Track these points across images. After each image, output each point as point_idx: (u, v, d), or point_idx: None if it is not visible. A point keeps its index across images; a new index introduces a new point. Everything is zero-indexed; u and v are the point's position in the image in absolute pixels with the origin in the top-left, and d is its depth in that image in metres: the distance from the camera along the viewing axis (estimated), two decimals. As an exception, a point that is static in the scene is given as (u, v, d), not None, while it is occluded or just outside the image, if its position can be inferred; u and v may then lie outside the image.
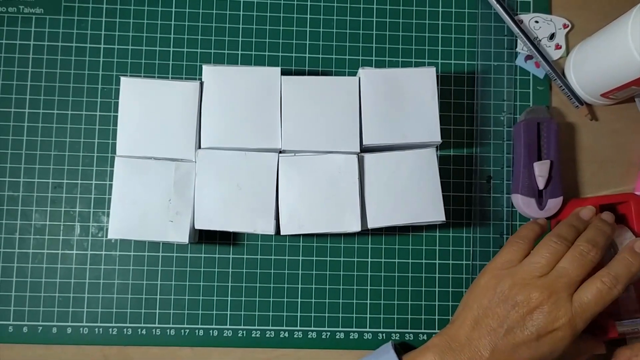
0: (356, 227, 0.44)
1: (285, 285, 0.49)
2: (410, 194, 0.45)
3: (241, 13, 0.52)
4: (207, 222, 0.44)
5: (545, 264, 0.42)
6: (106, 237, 0.49)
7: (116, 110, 0.50)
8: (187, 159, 0.45)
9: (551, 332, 0.40)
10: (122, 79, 0.45)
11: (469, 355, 0.41)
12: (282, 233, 0.44)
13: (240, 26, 0.52)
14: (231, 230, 0.44)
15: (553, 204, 0.49)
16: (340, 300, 0.49)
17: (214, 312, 0.49)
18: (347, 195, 0.45)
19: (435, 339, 0.43)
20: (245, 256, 0.49)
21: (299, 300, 0.49)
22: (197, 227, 0.44)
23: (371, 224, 0.45)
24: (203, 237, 0.49)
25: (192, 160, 0.45)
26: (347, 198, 0.45)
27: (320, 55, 0.52)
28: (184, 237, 0.44)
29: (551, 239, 0.43)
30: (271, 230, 0.44)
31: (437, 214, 0.45)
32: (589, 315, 0.40)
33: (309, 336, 0.49)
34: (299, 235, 0.49)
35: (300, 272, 0.49)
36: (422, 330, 0.49)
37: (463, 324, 0.42)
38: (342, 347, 0.49)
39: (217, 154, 0.45)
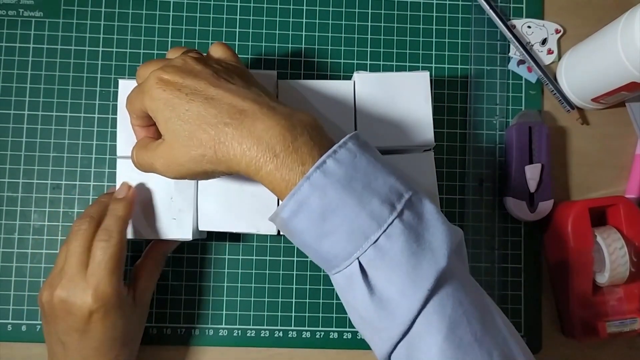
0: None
1: (280, 286, 0.50)
2: None
3: (238, 17, 0.52)
4: (211, 224, 0.45)
5: (61, 262, 0.41)
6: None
7: (114, 113, 0.50)
8: None
9: (89, 318, 0.40)
10: (121, 81, 0.45)
11: None
12: (282, 232, 0.44)
13: (237, 30, 0.52)
14: (234, 231, 0.45)
15: (544, 206, 0.50)
16: (334, 301, 0.50)
17: (210, 311, 0.50)
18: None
19: None
20: (240, 257, 0.50)
21: (294, 300, 0.50)
22: (200, 228, 0.45)
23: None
24: (210, 236, 0.50)
25: None
26: None
27: (316, 59, 0.52)
28: (187, 234, 0.44)
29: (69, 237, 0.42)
30: (273, 231, 0.44)
31: None
32: (106, 274, 0.40)
33: (303, 336, 0.50)
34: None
35: (294, 272, 0.50)
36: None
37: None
38: (335, 346, 0.50)
39: None
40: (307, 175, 0.32)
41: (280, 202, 0.34)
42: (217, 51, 0.42)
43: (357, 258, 0.33)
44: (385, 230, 0.33)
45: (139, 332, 0.45)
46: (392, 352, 0.34)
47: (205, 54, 0.41)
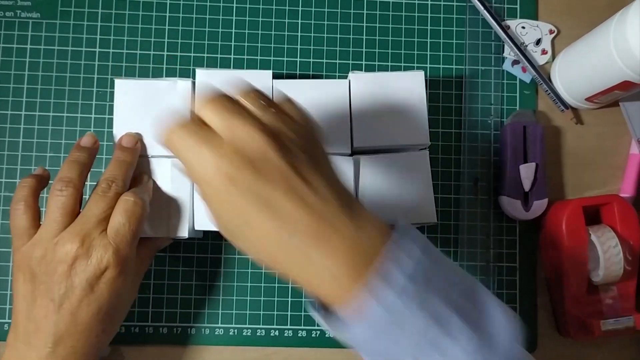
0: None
1: (276, 285, 0.50)
2: (403, 195, 0.46)
3: (234, 18, 0.53)
4: (207, 223, 0.45)
5: (60, 216, 0.39)
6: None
7: (111, 113, 0.51)
8: None
9: (101, 274, 0.39)
10: (116, 80, 0.45)
11: (36, 355, 0.38)
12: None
13: (233, 31, 0.53)
14: None
15: (538, 205, 0.50)
16: (330, 300, 0.50)
17: (206, 310, 0.50)
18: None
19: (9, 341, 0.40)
20: (237, 256, 0.50)
21: (290, 299, 0.50)
22: (197, 228, 0.45)
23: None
24: (207, 235, 0.50)
25: None
26: None
27: (311, 60, 0.53)
28: (183, 232, 0.45)
29: (55, 189, 0.40)
30: None
31: (429, 215, 0.46)
32: (127, 237, 0.39)
33: (299, 335, 0.50)
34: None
35: (290, 271, 0.50)
36: (410, 329, 0.50)
37: (17, 317, 0.39)
38: (331, 345, 0.50)
39: None
40: (377, 296, 0.30)
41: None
42: (286, 106, 0.35)
43: None
44: None
45: (123, 317, 0.44)
46: None
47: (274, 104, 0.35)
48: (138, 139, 0.44)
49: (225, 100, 0.33)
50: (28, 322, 0.39)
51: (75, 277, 0.38)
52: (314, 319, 0.50)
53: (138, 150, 0.44)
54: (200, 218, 0.45)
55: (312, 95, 0.46)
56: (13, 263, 0.40)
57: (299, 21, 0.53)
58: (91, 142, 0.44)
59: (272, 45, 0.53)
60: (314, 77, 0.52)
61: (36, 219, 0.41)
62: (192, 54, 0.52)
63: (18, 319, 0.39)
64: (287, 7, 0.53)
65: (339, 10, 0.53)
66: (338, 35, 0.53)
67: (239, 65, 0.52)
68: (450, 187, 0.52)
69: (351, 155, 0.46)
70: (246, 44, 0.53)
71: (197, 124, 0.32)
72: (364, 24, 0.53)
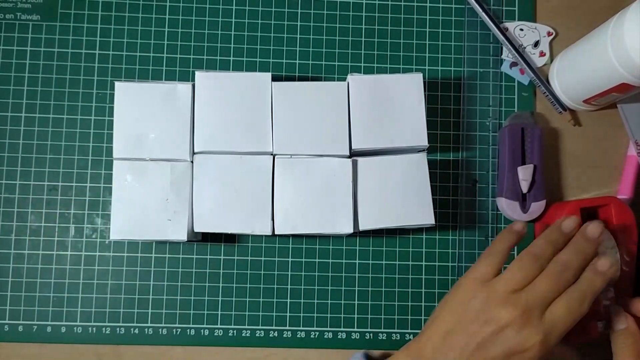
0: (348, 229, 0.45)
1: (275, 286, 0.50)
2: (401, 197, 0.46)
3: (233, 20, 0.53)
4: (206, 225, 0.45)
5: (520, 281, 0.40)
6: (100, 238, 0.50)
7: (110, 115, 0.51)
8: (182, 159, 0.46)
9: (521, 351, 0.39)
10: (117, 83, 0.46)
11: None
12: (276, 232, 0.45)
13: (232, 33, 0.53)
14: (229, 232, 0.45)
15: (536, 207, 0.50)
16: (329, 301, 0.50)
17: (205, 311, 0.50)
18: (341, 197, 0.46)
19: (400, 353, 0.42)
20: (236, 257, 0.51)
21: (288, 300, 0.50)
22: (196, 229, 0.45)
23: (362, 226, 0.46)
24: (206, 237, 0.50)
25: (187, 160, 0.46)
26: (340, 200, 0.46)
27: (310, 62, 0.53)
28: (182, 235, 0.45)
29: (527, 257, 0.42)
30: (268, 231, 0.45)
31: (427, 217, 0.46)
32: (559, 332, 0.39)
33: (298, 336, 0.50)
34: (289, 236, 0.51)
35: (289, 273, 0.51)
36: (409, 330, 0.50)
37: (432, 338, 0.41)
38: (330, 346, 0.50)
39: (214, 159, 0.46)
40: None
41: None
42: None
43: None
44: None
45: None
46: None
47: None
48: (602, 230, 0.43)
49: None
50: (441, 343, 0.40)
51: (499, 340, 0.39)
52: (312, 320, 0.50)
53: (600, 242, 0.43)
54: (199, 220, 0.45)
55: (311, 98, 0.47)
56: (459, 287, 0.42)
57: (298, 23, 0.53)
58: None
59: (271, 48, 0.53)
60: (313, 79, 0.53)
61: (498, 272, 0.42)
62: (191, 56, 0.52)
63: (421, 339, 0.41)
64: (286, 10, 0.53)
65: (337, 13, 0.53)
66: (337, 38, 0.53)
67: (238, 67, 0.52)
68: (449, 189, 0.52)
69: (350, 157, 0.47)
70: (245, 46, 0.53)
71: None
72: (363, 26, 0.53)
